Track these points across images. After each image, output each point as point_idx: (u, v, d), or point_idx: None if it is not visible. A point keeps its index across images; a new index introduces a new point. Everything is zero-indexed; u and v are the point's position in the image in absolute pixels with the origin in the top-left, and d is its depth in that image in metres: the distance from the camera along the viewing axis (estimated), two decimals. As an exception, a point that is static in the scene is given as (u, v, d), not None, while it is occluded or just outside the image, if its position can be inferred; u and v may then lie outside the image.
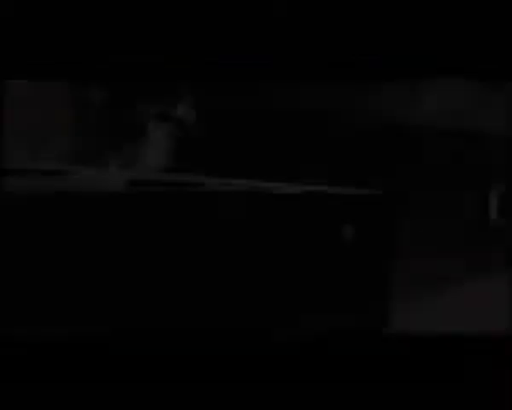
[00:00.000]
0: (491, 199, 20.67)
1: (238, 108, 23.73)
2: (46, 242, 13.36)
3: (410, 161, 19.00)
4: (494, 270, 17.53)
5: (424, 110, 17.51)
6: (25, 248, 13.01)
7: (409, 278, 16.79)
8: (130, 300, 14.70)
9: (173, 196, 15.16)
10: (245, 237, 15.00)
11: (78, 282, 13.93)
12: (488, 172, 19.79)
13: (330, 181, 18.91)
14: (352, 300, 17.85)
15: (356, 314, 16.91)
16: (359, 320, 18.83)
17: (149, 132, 15.60)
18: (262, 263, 16.29)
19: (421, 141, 18.61)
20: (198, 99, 24.95)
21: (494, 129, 18.59)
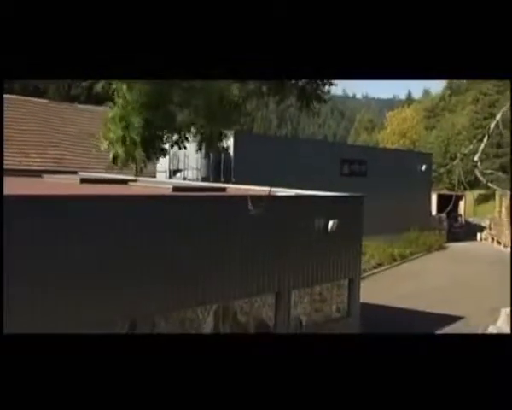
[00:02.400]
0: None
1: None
2: (118, 232, 14.67)
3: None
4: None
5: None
6: (112, 237, 13.87)
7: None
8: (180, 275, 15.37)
9: (204, 197, 17.01)
10: (255, 226, 17.23)
11: (148, 260, 14.75)
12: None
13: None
14: (335, 268, 19.61)
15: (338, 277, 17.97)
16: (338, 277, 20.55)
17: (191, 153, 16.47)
18: (269, 246, 18.60)
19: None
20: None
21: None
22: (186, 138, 13.90)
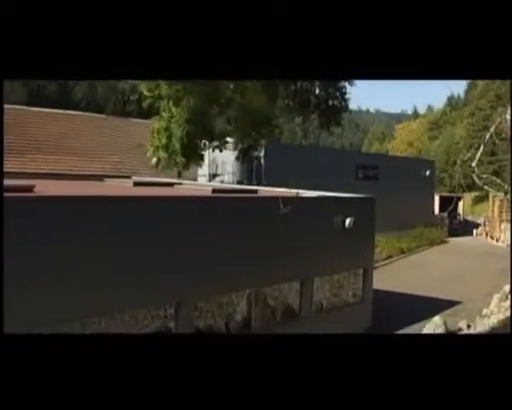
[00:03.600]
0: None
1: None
2: (167, 227, 14.77)
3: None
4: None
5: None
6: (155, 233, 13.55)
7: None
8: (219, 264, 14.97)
9: (239, 198, 17.01)
10: (283, 223, 17.17)
11: (191, 254, 14.48)
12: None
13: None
14: (351, 259, 19.37)
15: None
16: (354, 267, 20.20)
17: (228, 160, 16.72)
18: (294, 240, 18.44)
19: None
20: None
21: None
22: (223, 146, 13.94)
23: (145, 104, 14.77)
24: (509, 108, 15.44)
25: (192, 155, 14.10)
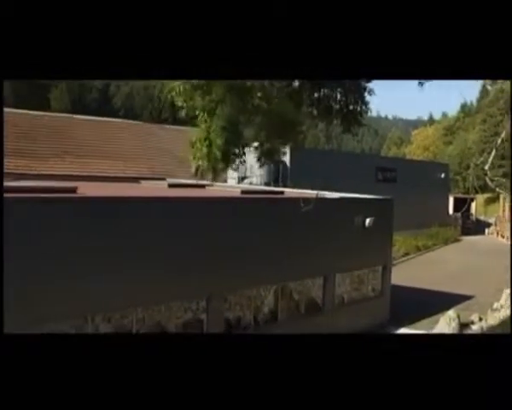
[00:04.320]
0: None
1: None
2: (200, 225, 14.68)
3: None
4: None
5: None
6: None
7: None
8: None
9: (266, 199, 16.86)
10: (308, 222, 17.02)
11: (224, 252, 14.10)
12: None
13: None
14: (371, 257, 18.99)
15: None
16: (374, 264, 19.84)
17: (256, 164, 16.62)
18: (318, 238, 18.26)
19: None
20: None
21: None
22: (243, 152, 13.96)
23: (180, 112, 14.84)
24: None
25: (229, 161, 14.25)
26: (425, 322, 22.85)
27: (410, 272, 34.02)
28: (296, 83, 13.14)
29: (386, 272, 23.88)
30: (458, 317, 22.04)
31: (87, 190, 16.14)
